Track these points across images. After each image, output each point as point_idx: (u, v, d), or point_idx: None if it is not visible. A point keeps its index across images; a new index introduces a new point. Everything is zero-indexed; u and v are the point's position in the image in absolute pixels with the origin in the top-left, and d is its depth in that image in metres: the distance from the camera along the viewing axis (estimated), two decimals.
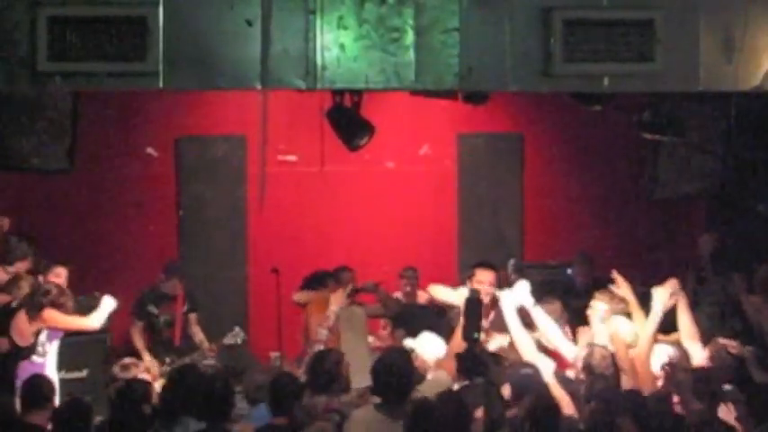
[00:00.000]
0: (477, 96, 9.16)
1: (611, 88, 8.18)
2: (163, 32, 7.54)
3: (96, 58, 7.46)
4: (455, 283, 11.11)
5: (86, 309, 10.51)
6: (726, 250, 10.69)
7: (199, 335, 10.64)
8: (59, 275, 9.59)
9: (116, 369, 8.28)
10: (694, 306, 9.97)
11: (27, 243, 9.67)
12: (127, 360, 8.58)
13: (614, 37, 7.89)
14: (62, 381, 9.22)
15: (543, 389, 7.13)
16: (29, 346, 8.75)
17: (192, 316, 10.76)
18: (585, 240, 11.83)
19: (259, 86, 7.83)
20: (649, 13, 7.97)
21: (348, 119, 8.83)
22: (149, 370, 10.18)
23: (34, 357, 9.02)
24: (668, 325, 8.26)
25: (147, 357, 10.38)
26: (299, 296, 10.18)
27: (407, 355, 7.30)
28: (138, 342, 10.54)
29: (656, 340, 7.89)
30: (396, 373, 6.81)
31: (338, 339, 9.13)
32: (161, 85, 7.65)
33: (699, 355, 7.93)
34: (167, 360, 10.33)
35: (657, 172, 11.92)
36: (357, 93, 8.57)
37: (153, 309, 10.66)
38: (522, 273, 11.25)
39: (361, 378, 7.53)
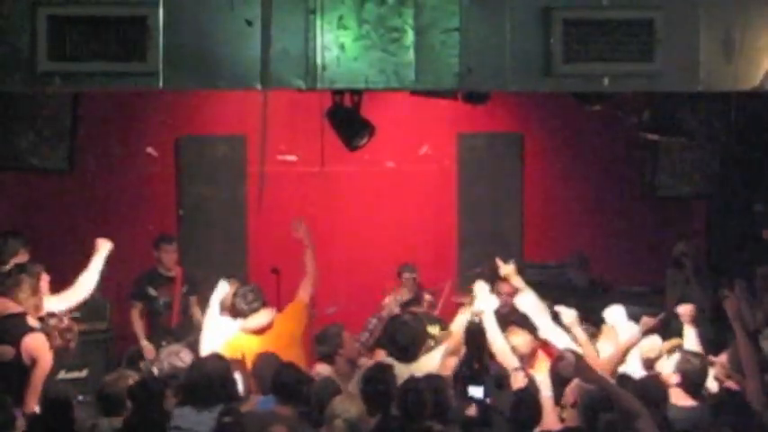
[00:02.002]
0: (477, 96, 9.15)
1: (611, 88, 8.18)
2: (163, 32, 7.54)
3: (96, 58, 7.47)
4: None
5: (86, 309, 10.54)
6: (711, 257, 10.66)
7: (197, 315, 10.40)
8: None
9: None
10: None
11: (14, 238, 9.64)
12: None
13: (614, 37, 7.90)
14: (62, 381, 9.20)
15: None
16: None
17: (193, 298, 10.63)
18: (585, 240, 11.83)
19: (259, 86, 7.84)
20: (649, 13, 7.97)
21: (348, 119, 8.83)
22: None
23: None
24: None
25: (144, 342, 10.40)
26: None
27: (420, 319, 8.34)
28: (137, 325, 10.52)
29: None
30: (407, 334, 7.97)
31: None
32: (161, 85, 7.65)
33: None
34: (163, 343, 10.11)
35: (657, 172, 11.91)
36: (357, 93, 8.57)
37: (152, 291, 10.61)
38: (522, 273, 11.25)
39: None
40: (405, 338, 7.98)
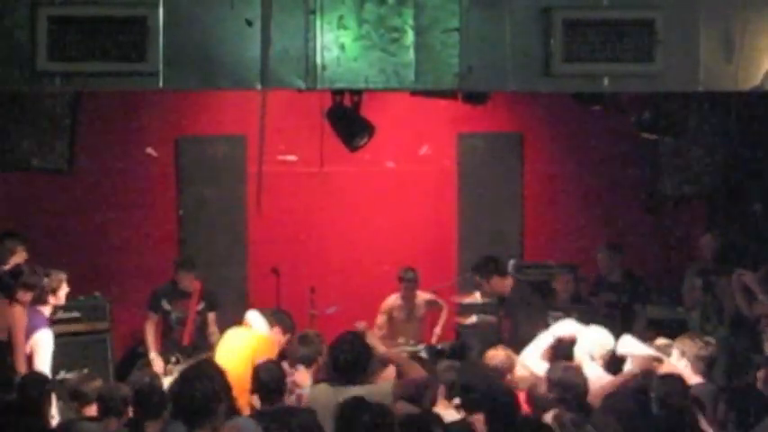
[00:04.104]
0: (477, 96, 9.16)
1: (611, 88, 8.18)
2: (163, 32, 7.54)
3: (96, 58, 7.47)
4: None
5: (86, 309, 10.54)
6: (729, 250, 10.60)
7: (215, 335, 10.21)
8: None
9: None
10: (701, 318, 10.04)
11: (12, 238, 9.62)
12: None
13: (614, 37, 7.90)
14: (62, 381, 9.20)
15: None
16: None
17: (211, 315, 10.44)
18: (585, 240, 11.83)
19: (259, 86, 7.84)
20: (649, 13, 7.98)
21: (348, 119, 8.83)
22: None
23: None
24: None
25: (152, 354, 10.26)
26: None
27: (362, 337, 7.52)
28: (149, 336, 10.34)
29: None
30: (350, 353, 7.14)
31: None
32: (161, 85, 7.65)
33: None
34: (172, 359, 10.13)
35: (657, 172, 11.92)
36: (357, 93, 8.57)
37: (166, 304, 10.41)
38: (522, 273, 11.27)
39: None
40: (345, 360, 7.17)
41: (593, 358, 7.78)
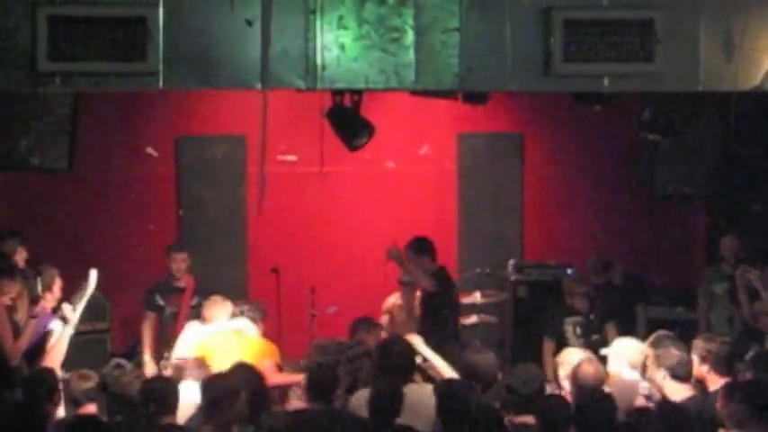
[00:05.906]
0: (478, 96, 9.15)
1: (611, 88, 8.18)
2: (163, 32, 7.55)
3: (96, 58, 7.47)
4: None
5: (86, 308, 10.53)
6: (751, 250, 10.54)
7: None
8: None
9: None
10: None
11: (12, 237, 9.61)
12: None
13: (614, 37, 7.90)
14: (62, 381, 9.18)
15: None
16: None
17: None
18: (585, 240, 11.84)
19: (259, 86, 7.84)
20: (649, 13, 7.98)
21: (348, 119, 8.83)
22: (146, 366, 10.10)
23: None
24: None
25: (146, 357, 10.22)
26: None
27: (407, 342, 7.73)
28: (146, 334, 10.34)
29: None
30: (400, 355, 7.37)
31: None
32: (161, 85, 7.66)
33: None
34: (165, 355, 9.98)
35: (657, 172, 11.93)
36: (357, 93, 8.57)
37: (160, 300, 10.41)
38: (521, 273, 11.28)
39: None
40: (395, 363, 7.33)
41: (633, 367, 7.54)
